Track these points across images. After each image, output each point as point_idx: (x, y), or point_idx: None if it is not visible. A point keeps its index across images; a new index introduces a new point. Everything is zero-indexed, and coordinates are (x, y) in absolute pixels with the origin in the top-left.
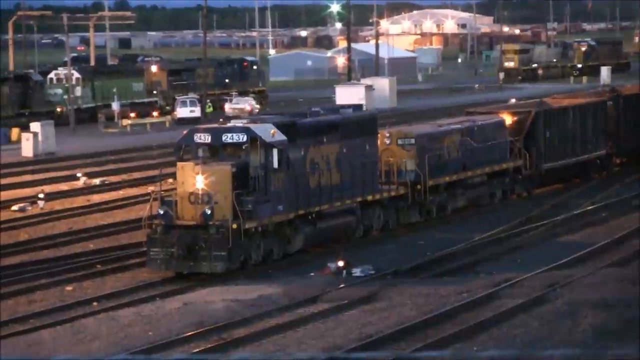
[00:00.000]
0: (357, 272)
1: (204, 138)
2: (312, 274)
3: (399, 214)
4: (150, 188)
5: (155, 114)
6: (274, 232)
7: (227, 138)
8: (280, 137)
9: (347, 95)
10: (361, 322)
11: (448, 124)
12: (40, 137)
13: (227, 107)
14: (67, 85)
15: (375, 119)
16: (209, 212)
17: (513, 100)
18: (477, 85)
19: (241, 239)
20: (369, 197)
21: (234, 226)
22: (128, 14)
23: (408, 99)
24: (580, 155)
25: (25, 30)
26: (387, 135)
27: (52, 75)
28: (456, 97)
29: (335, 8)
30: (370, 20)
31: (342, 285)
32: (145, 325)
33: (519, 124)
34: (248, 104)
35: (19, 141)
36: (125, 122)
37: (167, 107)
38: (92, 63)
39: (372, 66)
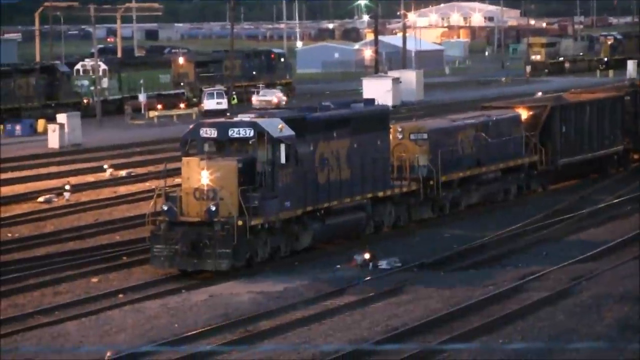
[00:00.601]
0: (383, 264)
1: (210, 133)
2: (338, 266)
3: (410, 210)
4: (155, 183)
5: (182, 105)
6: (280, 229)
7: (234, 133)
8: (288, 132)
9: (375, 87)
10: (387, 314)
11: (462, 118)
12: (66, 129)
13: (255, 99)
14: (93, 76)
15: (388, 113)
16: (213, 208)
17: (539, 94)
18: (503, 78)
19: (247, 236)
20: (380, 194)
21: (240, 223)
22: (155, 5)
23: (435, 92)
24: (597, 151)
25: (52, 21)
26: (400, 130)
27: (78, 66)
28: (483, 90)
29: (362, 0)
30: (398, 13)
31: (368, 278)
32: (171, 317)
33: (535, 119)
34: (275, 96)
35: (45, 132)
36: (152, 113)
37: (194, 99)
38: (119, 54)
39: (399, 59)
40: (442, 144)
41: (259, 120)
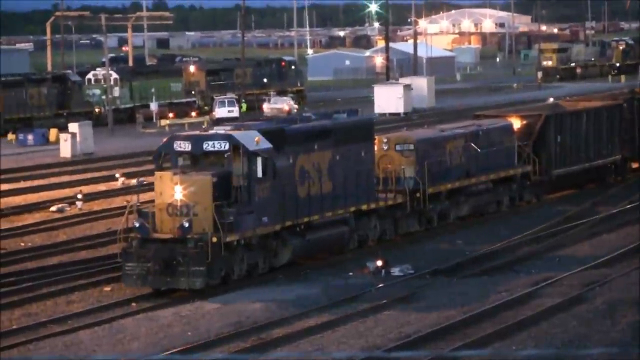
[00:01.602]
0: (395, 271)
1: (184, 146)
2: (350, 273)
3: (397, 224)
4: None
5: (193, 114)
6: (258, 245)
7: (208, 146)
8: (265, 144)
9: (386, 94)
10: (400, 321)
11: (451, 128)
12: (78, 138)
13: (266, 106)
14: (105, 85)
15: (372, 124)
16: (186, 224)
17: (551, 99)
18: (515, 85)
19: (222, 253)
20: (364, 207)
21: (214, 239)
22: (166, 14)
23: (446, 98)
24: (593, 161)
25: (64, 30)
26: (385, 141)
27: (90, 75)
28: (495, 96)
29: (373, 8)
30: (409, 20)
31: (380, 285)
32: (184, 325)
33: (529, 128)
34: (286, 103)
35: (57, 142)
36: (164, 122)
37: (206, 107)
38: (130, 63)
39: (410, 65)
40: (429, 155)
41: (235, 133)
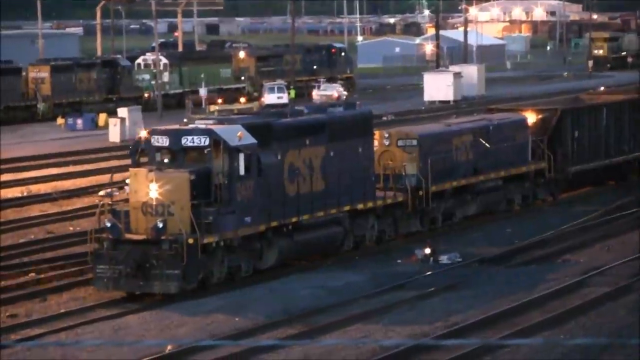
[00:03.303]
0: (444, 259)
1: (161, 141)
2: (399, 261)
3: (397, 223)
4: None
5: (242, 100)
6: (240, 246)
7: (187, 141)
8: (249, 140)
9: (436, 82)
10: (448, 309)
11: (459, 123)
12: (127, 123)
13: (315, 93)
14: (154, 70)
15: (370, 118)
16: (160, 225)
17: (602, 88)
18: (565, 73)
19: (199, 256)
20: (360, 206)
21: (190, 241)
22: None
23: (496, 87)
24: (614, 157)
25: (113, 15)
26: (386, 136)
27: (140, 60)
28: (545, 85)
29: None
30: (459, 7)
31: (428, 273)
32: (231, 311)
33: (545, 123)
34: (335, 90)
35: (106, 127)
36: (213, 107)
37: (255, 93)
38: (180, 49)
39: (460, 53)
40: (433, 151)
41: (215, 128)
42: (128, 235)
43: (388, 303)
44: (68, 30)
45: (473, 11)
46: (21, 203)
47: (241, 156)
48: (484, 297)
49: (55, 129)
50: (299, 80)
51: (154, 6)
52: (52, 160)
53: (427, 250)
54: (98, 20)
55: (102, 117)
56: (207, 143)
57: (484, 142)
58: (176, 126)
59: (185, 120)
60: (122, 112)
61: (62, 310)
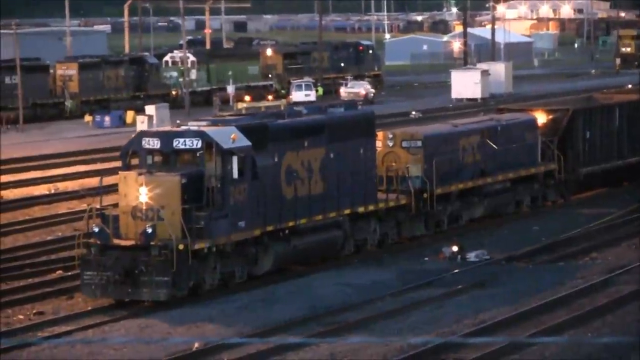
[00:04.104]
0: (471, 257)
1: (152, 143)
2: (426, 259)
3: (400, 227)
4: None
5: (270, 97)
6: (234, 252)
7: (179, 143)
8: (243, 142)
9: (463, 79)
10: (475, 307)
11: (466, 123)
12: (155, 120)
13: (342, 90)
14: (182, 68)
15: (372, 118)
16: (150, 230)
17: (629, 86)
18: (593, 71)
19: (189, 262)
20: (361, 209)
21: (180, 247)
22: None
23: (524, 84)
24: (627, 158)
25: (141, 13)
26: (390, 136)
27: (167, 58)
28: (572, 83)
29: None
30: (487, 5)
31: (456, 270)
32: (259, 309)
33: (555, 124)
34: (363, 88)
35: (134, 124)
36: (240, 105)
37: (282, 91)
38: (208, 46)
39: (488, 51)
40: (439, 152)
41: (208, 130)
42: (116, 241)
43: (415, 301)
44: (96, 27)
45: (501, 9)
46: (49, 200)
47: (234, 159)
48: (511, 295)
49: (82, 126)
50: (326, 78)
51: (181, 3)
52: (80, 157)
53: (455, 248)
54: (126, 17)
55: (130, 114)
56: (199, 145)
57: (491, 143)
58: (167, 128)
59: (178, 122)
60: (150, 109)
61: (89, 308)
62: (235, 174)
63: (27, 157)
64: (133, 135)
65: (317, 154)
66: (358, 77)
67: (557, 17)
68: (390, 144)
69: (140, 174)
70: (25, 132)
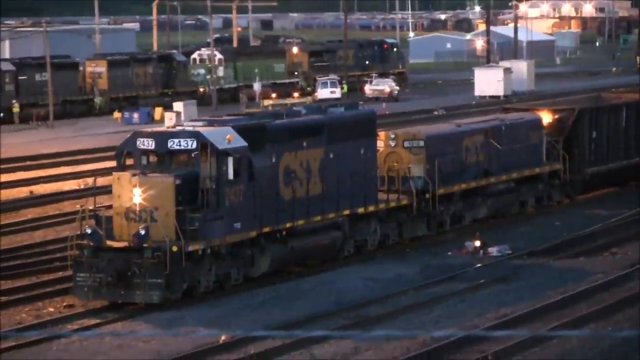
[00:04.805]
0: (494, 251)
1: (147, 144)
2: (449, 253)
3: (402, 227)
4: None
5: (296, 94)
6: (229, 253)
7: (174, 144)
8: (239, 143)
9: (486, 77)
10: (497, 301)
11: (470, 123)
12: (183, 117)
13: (367, 88)
14: (209, 65)
15: (373, 118)
16: (143, 232)
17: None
18: (614, 69)
19: (183, 264)
20: (360, 210)
21: (174, 249)
22: None
23: (546, 82)
24: (634, 158)
25: (169, 11)
26: (392, 137)
27: (195, 55)
28: (594, 81)
29: None
30: (509, 4)
31: (478, 265)
32: (283, 302)
33: (561, 123)
34: (387, 85)
35: (162, 120)
36: (267, 102)
37: (308, 88)
38: (235, 44)
39: (510, 49)
40: (441, 152)
41: (203, 130)
42: (109, 242)
43: (438, 295)
44: (125, 25)
45: (523, 7)
46: (79, 195)
47: (230, 160)
48: (533, 289)
49: (111, 122)
50: (351, 75)
51: (209, 2)
52: (109, 153)
53: (477, 243)
54: (154, 16)
55: (158, 111)
56: (194, 146)
57: (495, 142)
58: (162, 128)
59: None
60: (178, 106)
61: (119, 301)
62: (231, 175)
63: (58, 153)
64: (128, 136)
65: (316, 155)
66: (383, 75)
67: (579, 15)
68: (393, 144)
69: (134, 175)
70: (55, 128)
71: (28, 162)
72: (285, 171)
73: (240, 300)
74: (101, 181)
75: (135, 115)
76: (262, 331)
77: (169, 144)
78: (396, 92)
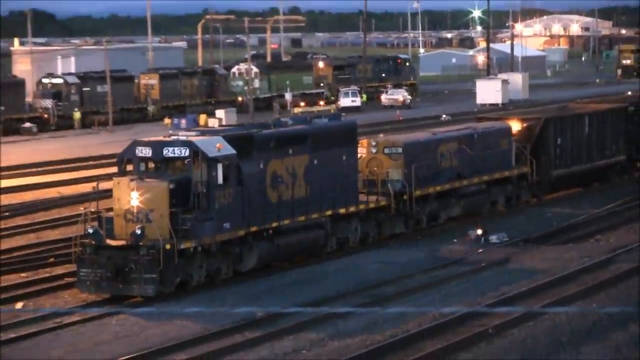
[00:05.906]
0: (493, 239)
1: (145, 152)
2: (454, 240)
3: (381, 226)
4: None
5: (321, 103)
6: (219, 251)
7: (169, 152)
8: (228, 151)
9: (486, 87)
10: (497, 282)
11: (445, 131)
12: (224, 122)
13: (383, 97)
14: (247, 78)
15: (354, 128)
16: (139, 231)
17: (629, 93)
18: (597, 80)
19: (175, 260)
20: (342, 210)
21: (167, 247)
22: (299, 17)
23: (539, 92)
24: (596, 161)
25: (212, 31)
26: (374, 144)
27: (234, 69)
28: (580, 90)
29: (476, 13)
30: (507, 24)
31: (480, 250)
32: (311, 283)
33: (529, 131)
34: (401, 95)
35: (206, 125)
36: (296, 110)
37: (332, 97)
38: (269, 59)
39: (507, 63)
40: (418, 158)
41: (195, 139)
42: (109, 241)
43: (445, 276)
44: (174, 44)
45: (518, 27)
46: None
47: (219, 166)
48: (527, 272)
49: (162, 127)
50: (369, 86)
51: (246, 23)
52: None
53: (479, 231)
54: (199, 35)
55: (203, 117)
56: (187, 154)
57: (467, 149)
58: (159, 138)
59: (170, 131)
60: (220, 113)
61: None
62: (220, 180)
63: (116, 155)
64: (128, 145)
65: (301, 161)
66: (397, 86)
67: (567, 34)
68: (374, 150)
69: (132, 180)
70: (114, 132)
71: (90, 162)
72: (272, 176)
73: (268, 283)
74: (104, 185)
75: (183, 121)
76: (294, 307)
77: (164, 152)
78: (408, 100)
